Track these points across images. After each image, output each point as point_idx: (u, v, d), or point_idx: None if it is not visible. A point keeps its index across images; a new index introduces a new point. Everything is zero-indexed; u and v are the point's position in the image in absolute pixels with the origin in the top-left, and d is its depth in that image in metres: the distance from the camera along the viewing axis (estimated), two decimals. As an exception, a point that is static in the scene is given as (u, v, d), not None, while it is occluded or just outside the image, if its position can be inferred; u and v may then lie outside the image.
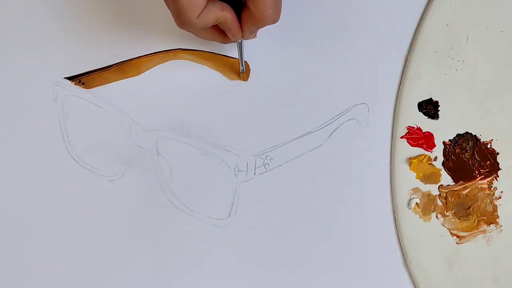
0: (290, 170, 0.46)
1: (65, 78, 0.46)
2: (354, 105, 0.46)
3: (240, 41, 0.43)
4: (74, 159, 0.46)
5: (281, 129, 0.46)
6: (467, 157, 0.46)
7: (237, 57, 0.45)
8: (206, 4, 0.38)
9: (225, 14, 0.39)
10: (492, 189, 0.47)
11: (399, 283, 0.47)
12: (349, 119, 0.46)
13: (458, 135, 0.46)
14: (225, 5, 0.39)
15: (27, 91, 0.46)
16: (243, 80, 0.46)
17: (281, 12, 0.45)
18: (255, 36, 0.43)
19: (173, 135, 0.46)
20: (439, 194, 0.47)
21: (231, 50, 0.46)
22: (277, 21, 0.40)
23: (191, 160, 0.46)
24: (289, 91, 0.46)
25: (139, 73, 0.46)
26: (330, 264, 0.46)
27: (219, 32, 0.41)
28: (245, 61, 0.46)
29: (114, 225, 0.46)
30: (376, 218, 0.47)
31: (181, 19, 0.38)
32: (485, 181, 0.47)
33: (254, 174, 0.46)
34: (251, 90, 0.46)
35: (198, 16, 0.38)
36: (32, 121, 0.46)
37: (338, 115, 0.46)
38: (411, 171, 0.46)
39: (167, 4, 0.39)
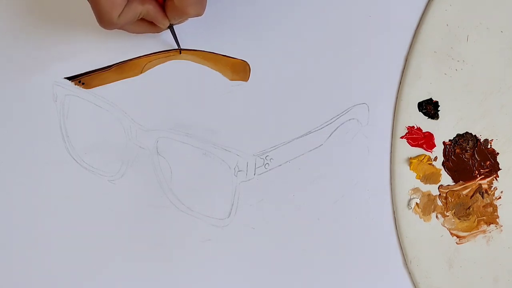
0: (290, 170, 0.46)
1: (65, 78, 0.46)
2: (354, 105, 0.46)
3: (171, 28, 0.43)
4: (74, 159, 0.46)
5: (281, 129, 0.46)
6: (467, 157, 0.46)
7: (238, 58, 0.45)
8: (127, 2, 0.38)
9: (147, 8, 0.39)
10: (492, 189, 0.47)
11: (399, 283, 0.47)
12: (349, 119, 0.46)
13: (458, 135, 0.46)
14: None
15: (27, 91, 0.46)
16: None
17: (281, 12, 0.45)
18: (185, 19, 0.43)
19: (173, 135, 0.46)
20: (439, 194, 0.47)
21: (231, 50, 0.46)
22: (201, 14, 0.40)
23: (191, 160, 0.46)
24: (289, 91, 0.46)
25: (139, 73, 0.46)
26: (330, 264, 0.46)
27: (148, 23, 0.42)
28: (245, 61, 0.46)
29: (114, 225, 0.46)
30: (376, 218, 0.46)
31: (103, 20, 0.39)
32: (485, 181, 0.47)
33: (254, 174, 0.46)
34: (251, 90, 0.46)
35: (120, 15, 0.38)
36: (32, 121, 0.46)
37: (338, 115, 0.46)
38: (411, 171, 0.46)
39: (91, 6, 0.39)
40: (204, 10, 0.40)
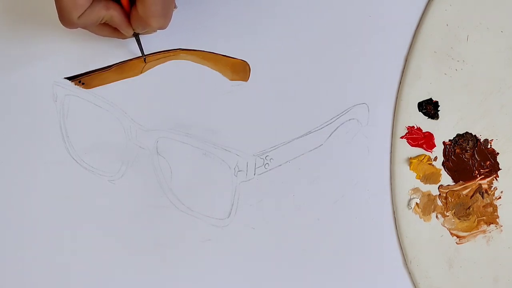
0: (290, 170, 0.46)
1: (65, 78, 0.46)
2: (354, 105, 0.46)
3: (137, 36, 0.43)
4: (74, 159, 0.46)
5: (281, 129, 0.46)
6: (467, 157, 0.46)
7: (238, 58, 0.45)
8: (91, 4, 0.38)
9: (110, 13, 0.39)
10: (492, 189, 0.47)
11: (399, 283, 0.47)
12: (349, 119, 0.46)
13: (458, 135, 0.46)
14: (112, 3, 0.39)
15: (27, 91, 0.46)
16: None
17: (281, 12, 0.45)
18: (153, 31, 0.42)
19: (173, 135, 0.46)
20: (439, 194, 0.47)
21: (231, 50, 0.46)
22: (165, 28, 0.40)
23: (191, 160, 0.46)
24: (289, 91, 0.46)
25: (139, 73, 0.46)
26: (330, 264, 0.46)
27: (112, 28, 0.41)
28: (245, 61, 0.46)
29: (114, 225, 0.46)
30: (376, 218, 0.46)
31: (63, 19, 0.38)
32: (485, 181, 0.47)
33: (254, 174, 0.46)
34: (251, 90, 0.46)
35: (80, 16, 0.38)
36: (32, 121, 0.46)
37: (338, 115, 0.46)
38: (411, 171, 0.46)
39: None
40: (168, 23, 0.40)
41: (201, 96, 0.46)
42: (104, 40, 0.45)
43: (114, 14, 0.39)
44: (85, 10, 0.38)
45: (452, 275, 0.46)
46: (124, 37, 0.42)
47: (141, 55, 0.44)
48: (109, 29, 0.41)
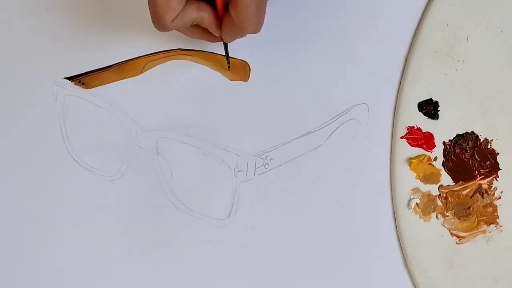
0: (290, 170, 0.46)
1: (65, 78, 0.46)
2: (354, 105, 0.46)
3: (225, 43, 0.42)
4: (74, 159, 0.46)
5: (281, 129, 0.46)
6: (467, 157, 0.46)
7: (238, 58, 0.45)
8: (183, 7, 0.38)
9: (202, 15, 0.39)
10: (492, 189, 0.47)
11: (399, 283, 0.47)
12: (349, 119, 0.46)
13: (458, 135, 0.46)
14: (203, 4, 0.39)
15: (27, 91, 0.46)
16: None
17: (281, 11, 0.45)
18: (241, 37, 0.42)
19: (173, 135, 0.46)
20: (439, 194, 0.47)
21: (231, 50, 0.46)
22: (258, 32, 0.40)
23: (191, 160, 0.46)
24: (289, 91, 0.46)
25: (139, 73, 0.46)
26: (330, 264, 0.46)
27: (203, 30, 0.41)
28: (245, 61, 0.46)
29: (114, 225, 0.46)
30: (376, 218, 0.47)
31: (157, 23, 0.38)
32: (485, 181, 0.47)
33: (254, 174, 0.46)
34: (251, 90, 0.46)
35: (174, 19, 0.38)
36: (32, 121, 0.46)
37: (338, 115, 0.46)
38: (411, 171, 0.46)
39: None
40: (261, 27, 0.39)
41: (201, 96, 0.46)
42: (104, 40, 0.45)
43: (205, 16, 0.39)
44: (178, 13, 0.38)
45: (452, 275, 0.47)
46: (214, 39, 0.42)
47: (226, 60, 0.44)
48: (200, 30, 0.41)
